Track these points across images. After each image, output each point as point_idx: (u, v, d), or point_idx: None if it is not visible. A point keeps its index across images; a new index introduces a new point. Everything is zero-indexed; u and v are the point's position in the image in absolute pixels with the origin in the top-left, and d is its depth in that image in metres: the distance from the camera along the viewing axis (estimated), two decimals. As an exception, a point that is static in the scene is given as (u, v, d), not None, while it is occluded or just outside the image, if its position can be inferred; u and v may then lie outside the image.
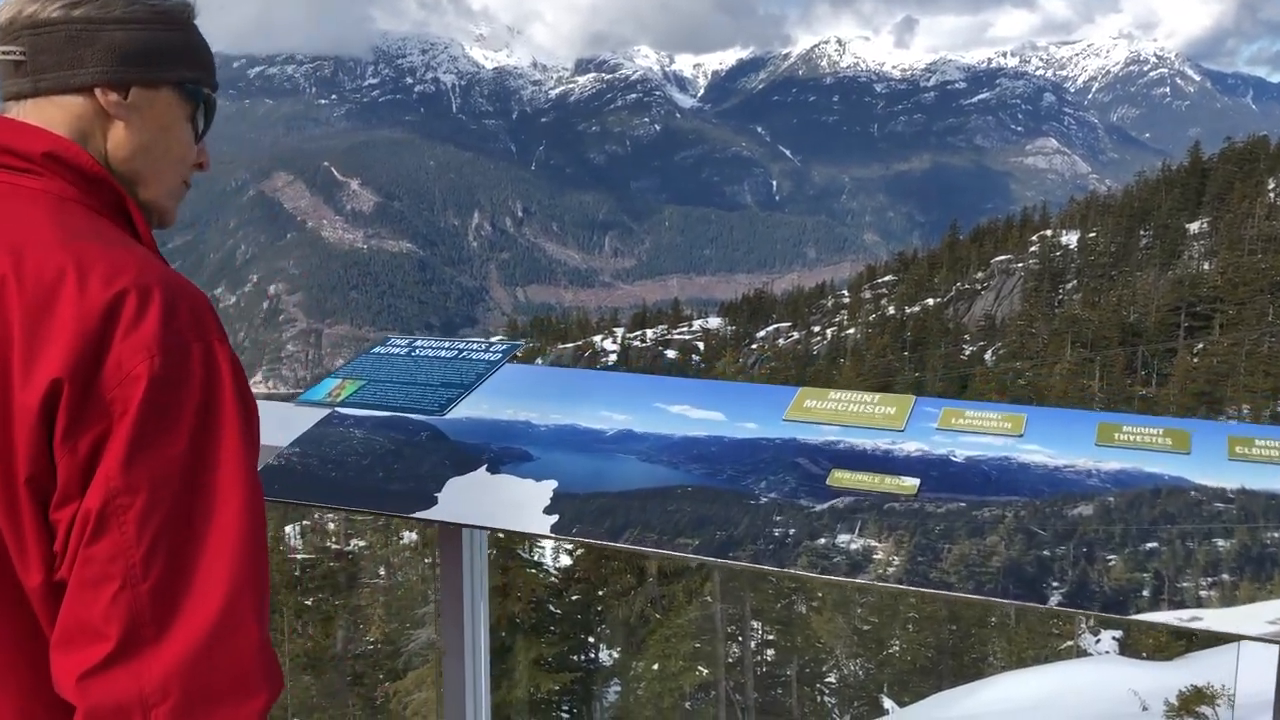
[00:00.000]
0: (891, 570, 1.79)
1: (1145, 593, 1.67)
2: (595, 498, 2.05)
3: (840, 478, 2.03)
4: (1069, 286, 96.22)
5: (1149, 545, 1.78)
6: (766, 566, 1.82)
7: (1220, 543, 1.75)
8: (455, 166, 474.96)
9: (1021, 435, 2.12)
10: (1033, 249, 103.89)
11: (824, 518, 1.93)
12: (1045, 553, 1.78)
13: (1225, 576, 1.67)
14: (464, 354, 2.70)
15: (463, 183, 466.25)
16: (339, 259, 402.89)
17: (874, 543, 1.86)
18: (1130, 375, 71.31)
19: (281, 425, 2.42)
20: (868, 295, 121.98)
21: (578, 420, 2.34)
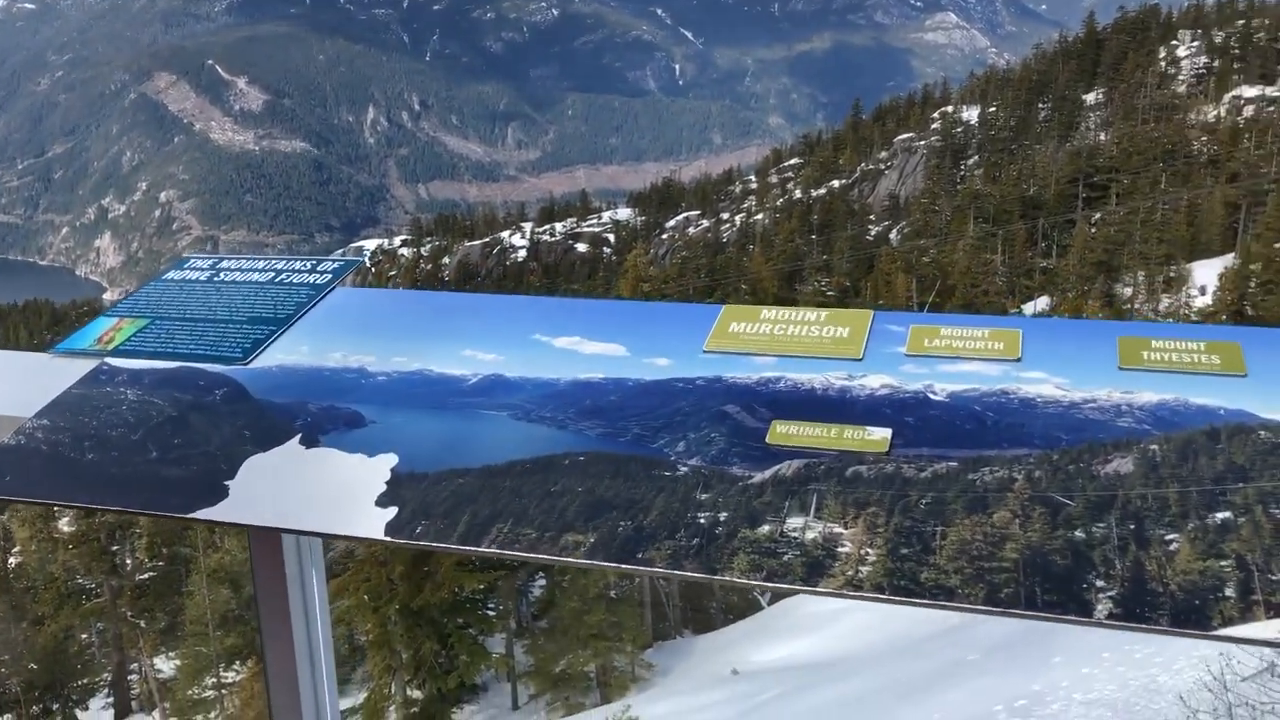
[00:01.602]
0: (866, 571, 1.27)
1: (1229, 591, 1.18)
2: (449, 478, 1.47)
3: (784, 432, 1.49)
4: (970, 162, 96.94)
5: (1219, 516, 1.28)
6: (690, 574, 1.29)
7: (1319, 509, 1.26)
8: (346, 60, 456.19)
9: (1019, 359, 1.59)
10: (934, 126, 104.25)
11: (766, 492, 1.40)
12: (1078, 534, 1.27)
13: (1336, 561, 1.18)
14: (284, 276, 2.06)
15: (355, 77, 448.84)
16: (230, 162, 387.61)
17: (837, 528, 1.33)
18: (1031, 248, 72.59)
19: (31, 386, 1.78)
20: (775, 180, 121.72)
21: (429, 364, 1.74)
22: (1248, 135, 77.13)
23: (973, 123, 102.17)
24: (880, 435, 1.46)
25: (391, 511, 1.43)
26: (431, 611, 27.16)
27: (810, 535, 1.32)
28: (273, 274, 2.05)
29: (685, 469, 1.45)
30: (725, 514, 1.36)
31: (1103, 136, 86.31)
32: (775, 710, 18.62)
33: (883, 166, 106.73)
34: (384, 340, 1.83)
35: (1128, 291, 60.03)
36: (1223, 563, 1.20)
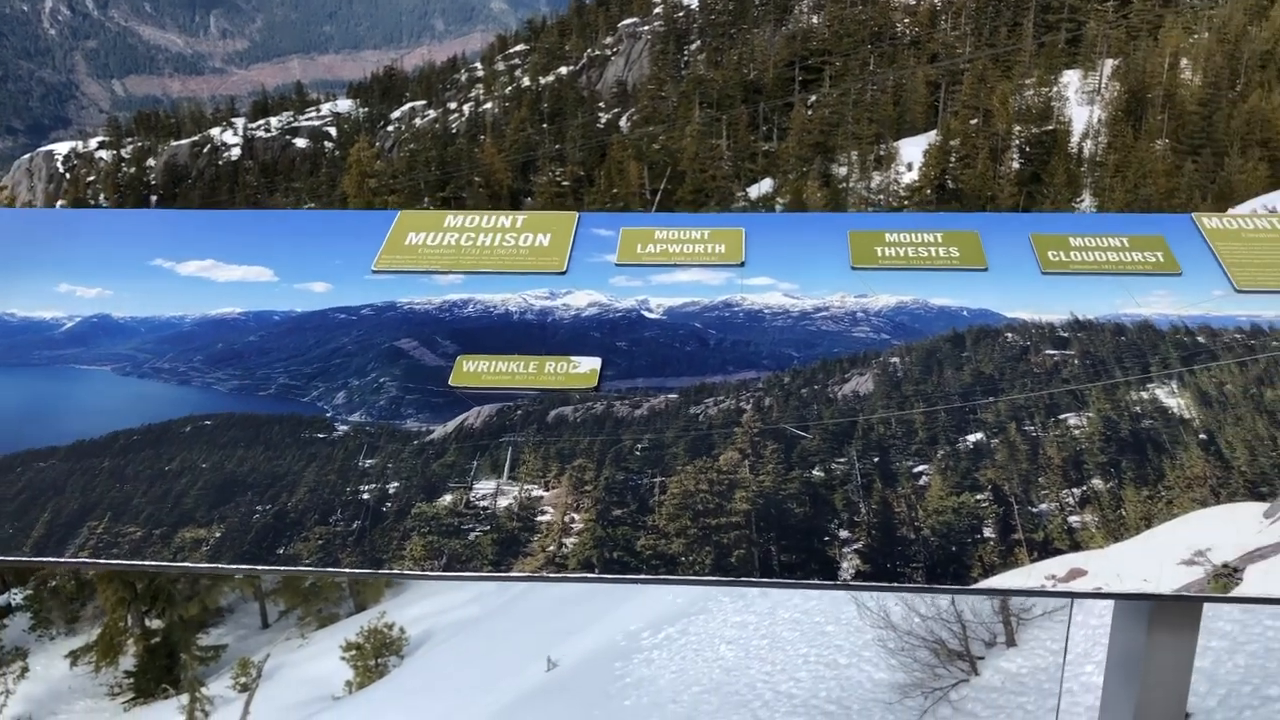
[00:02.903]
0: (571, 544, 1.02)
1: (988, 532, 1.01)
2: (26, 463, 1.11)
3: (472, 371, 1.21)
4: (693, 47, 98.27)
5: (971, 439, 1.11)
6: (347, 569, 1.00)
7: (1074, 422, 1.12)
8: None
9: (743, 262, 1.38)
10: (657, 11, 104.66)
11: (449, 451, 1.12)
12: (816, 473, 1.08)
13: (1097, 483, 1.04)
14: None
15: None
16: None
17: (537, 490, 1.08)
18: (754, 132, 74.96)
19: None
20: (501, 67, 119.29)
21: (9, 307, 1.34)
22: (944, 17, 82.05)
23: (693, 7, 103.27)
24: (588, 366, 1.21)
25: (-62, 517, 1.05)
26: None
27: (503, 503, 1.06)
28: None
29: (345, 428, 1.15)
30: (396, 484, 1.07)
31: (815, 20, 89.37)
32: (527, 601, 18.84)
33: (609, 53, 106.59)
34: (-52, 277, 1.39)
35: (843, 171, 63.25)
36: (978, 496, 1.03)
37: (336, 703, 19.74)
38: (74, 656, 25.17)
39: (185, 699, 22.42)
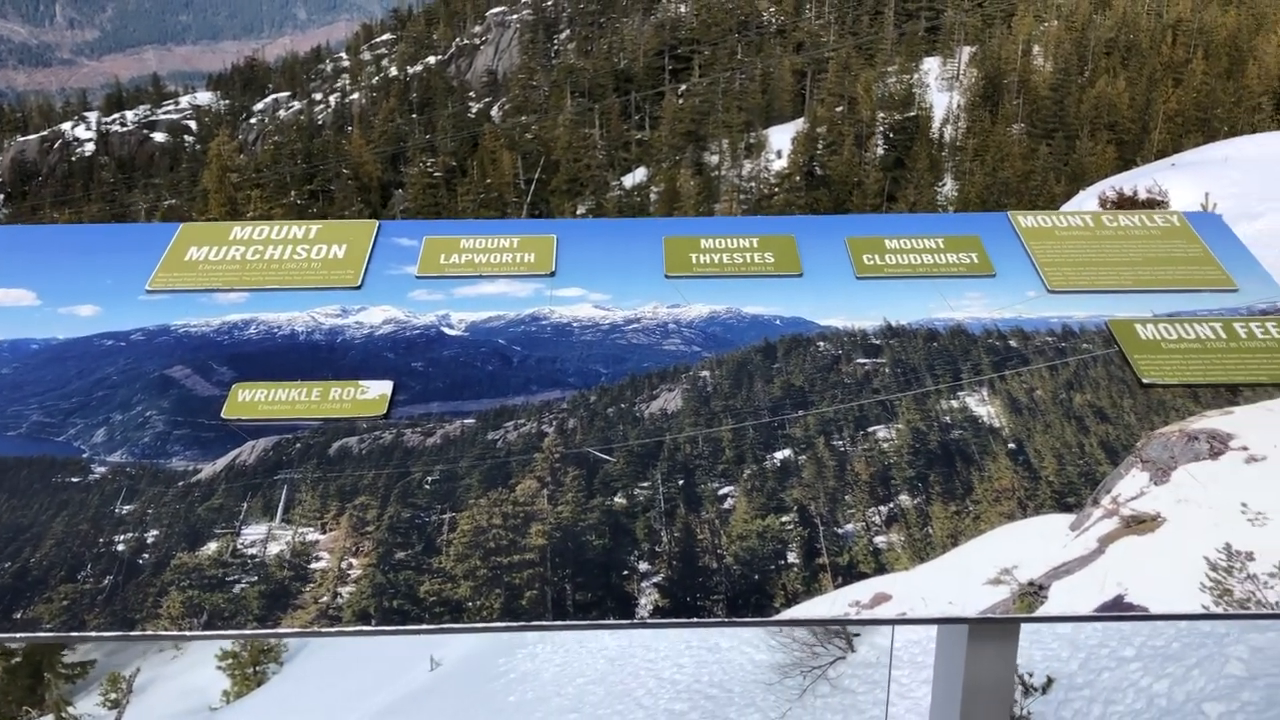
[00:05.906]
0: (347, 593, 0.94)
1: (791, 557, 0.96)
2: None
3: (248, 401, 1.11)
4: (563, 36, 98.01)
5: (779, 456, 1.07)
6: (95, 634, 0.90)
7: (883, 435, 1.08)
8: None
9: (553, 272, 1.31)
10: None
11: (217, 492, 1.02)
12: (618, 500, 1.01)
13: (905, 499, 1.00)
14: None
15: None
16: None
17: (313, 533, 0.99)
18: (626, 121, 75.20)
19: None
20: (368, 57, 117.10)
21: None
22: (809, 6, 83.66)
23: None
24: (378, 391, 1.12)
25: None
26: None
27: (274, 549, 0.96)
28: None
29: (103, 470, 1.04)
30: (155, 533, 0.97)
31: (683, 9, 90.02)
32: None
33: (478, 41, 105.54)
34: None
35: (715, 159, 63.90)
36: (784, 519, 0.99)
37: (214, 713, 19.11)
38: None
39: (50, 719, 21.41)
